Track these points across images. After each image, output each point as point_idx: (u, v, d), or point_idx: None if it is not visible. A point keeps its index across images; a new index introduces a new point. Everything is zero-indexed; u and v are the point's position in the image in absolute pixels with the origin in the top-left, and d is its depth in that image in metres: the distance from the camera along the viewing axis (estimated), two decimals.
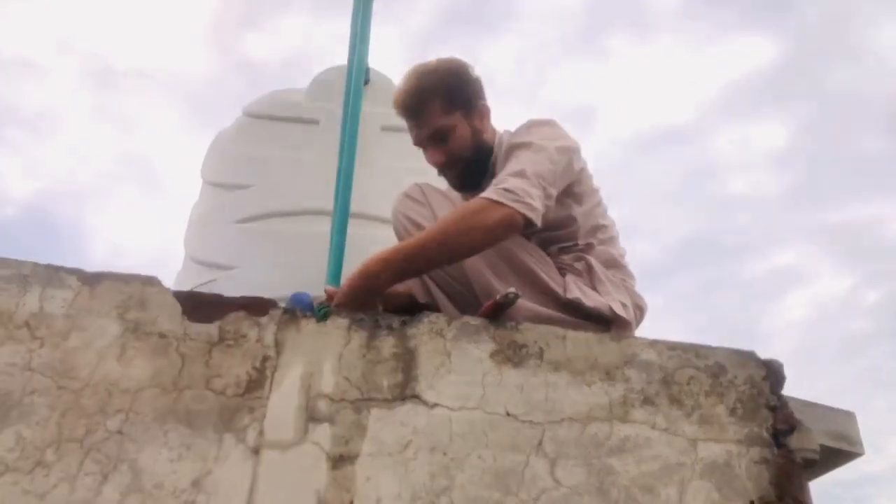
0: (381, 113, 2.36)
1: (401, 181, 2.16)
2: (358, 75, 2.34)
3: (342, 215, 1.97)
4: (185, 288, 2.22)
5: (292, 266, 2.13)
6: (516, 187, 1.56)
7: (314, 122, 2.40)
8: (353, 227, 2.08)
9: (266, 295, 1.82)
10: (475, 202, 1.57)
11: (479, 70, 1.89)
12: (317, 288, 1.98)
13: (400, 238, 1.81)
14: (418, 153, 2.01)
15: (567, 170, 1.73)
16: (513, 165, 1.63)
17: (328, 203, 2.12)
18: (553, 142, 1.71)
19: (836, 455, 7.23)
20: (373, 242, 2.04)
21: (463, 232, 1.55)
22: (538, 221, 1.59)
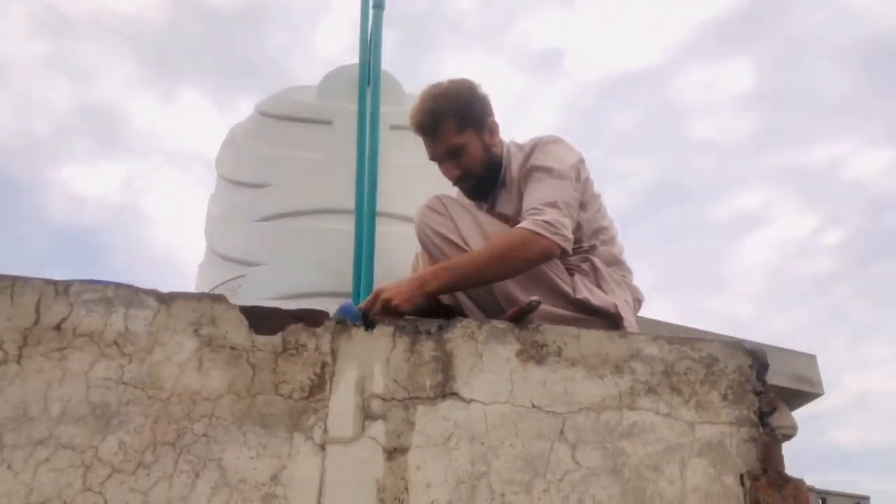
0: (388, 111, 2.52)
1: (411, 178, 2.35)
2: (375, 79, 2.49)
3: (370, 214, 2.15)
4: (214, 282, 2.41)
5: (315, 262, 2.31)
6: (554, 220, 1.78)
7: (327, 122, 2.56)
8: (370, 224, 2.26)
9: (293, 290, 2.04)
10: (521, 233, 1.80)
11: (485, 89, 2.07)
12: (340, 283, 2.18)
13: (424, 246, 2.01)
14: (424, 151, 2.19)
15: (579, 187, 1.94)
16: (543, 194, 1.84)
17: (346, 201, 2.29)
18: (567, 162, 1.91)
19: (797, 395, 7.65)
20: (391, 238, 2.24)
21: (510, 260, 1.80)
22: (570, 249, 1.82)
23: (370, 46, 2.57)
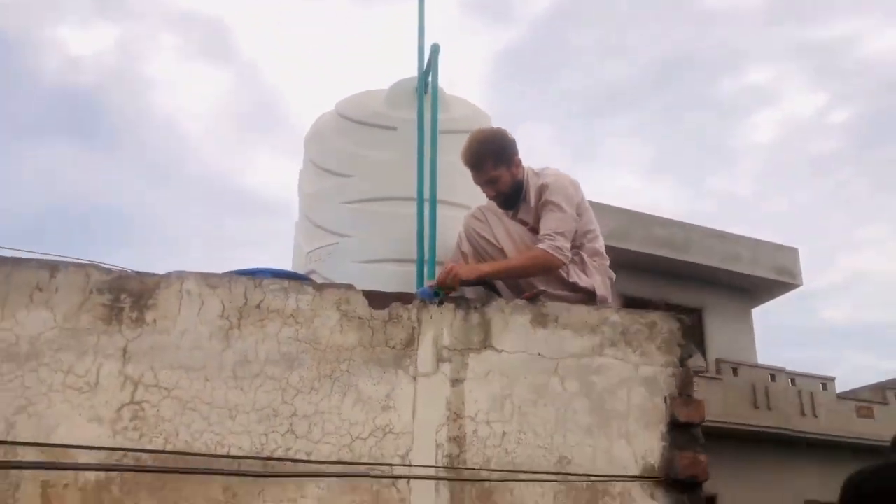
0: (440, 119, 3.38)
1: (455, 173, 3.27)
2: (432, 90, 3.35)
3: (432, 201, 3.10)
4: (312, 245, 3.38)
5: (388, 236, 3.26)
6: (562, 245, 2.83)
7: (393, 128, 3.43)
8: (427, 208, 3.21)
9: (372, 257, 3.05)
10: (541, 253, 2.85)
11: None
12: (408, 252, 3.16)
13: (469, 241, 2.99)
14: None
15: (575, 213, 2.91)
16: (554, 224, 2.89)
17: (410, 191, 3.22)
18: (572, 201, 2.89)
19: (778, 286, 9.86)
20: (443, 219, 3.19)
21: (531, 268, 2.91)
22: (568, 263, 2.81)
23: (426, 60, 3.40)
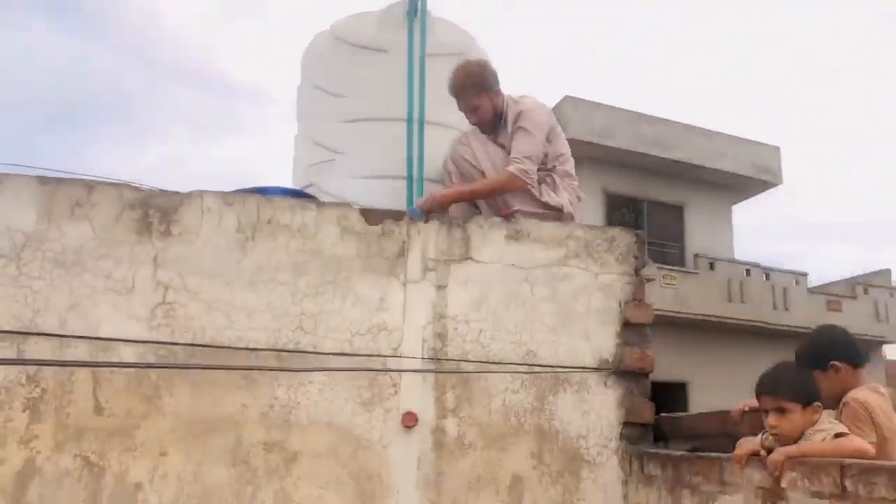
0: (427, 42, 3.65)
1: (443, 95, 3.58)
2: (421, 13, 3.61)
3: (421, 122, 3.43)
4: (312, 160, 3.72)
5: (379, 153, 3.59)
6: (529, 169, 3.14)
7: (384, 51, 3.70)
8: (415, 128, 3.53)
9: (367, 173, 3.41)
10: (507, 175, 3.17)
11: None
12: (398, 169, 3.51)
13: (455, 164, 3.34)
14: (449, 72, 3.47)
15: (545, 138, 3.25)
16: (523, 147, 3.17)
17: (401, 112, 3.53)
18: (542, 128, 3.20)
19: (758, 184, 10.55)
20: (430, 139, 3.52)
21: (498, 189, 3.25)
22: (534, 184, 3.16)
23: None
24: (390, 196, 3.49)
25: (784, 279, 17.77)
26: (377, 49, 3.73)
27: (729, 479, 2.33)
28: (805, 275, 18.09)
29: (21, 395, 2.52)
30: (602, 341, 3.06)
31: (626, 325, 3.09)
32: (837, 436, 2.13)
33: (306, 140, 3.86)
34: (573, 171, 3.46)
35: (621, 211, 16.59)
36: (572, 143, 13.88)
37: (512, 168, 3.25)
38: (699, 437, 2.93)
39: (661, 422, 3.09)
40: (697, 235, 17.61)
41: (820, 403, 2.26)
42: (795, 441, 2.20)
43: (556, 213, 3.29)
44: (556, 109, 16.14)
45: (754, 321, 16.31)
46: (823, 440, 2.14)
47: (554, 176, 3.35)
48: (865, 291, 18.78)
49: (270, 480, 2.66)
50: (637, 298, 3.13)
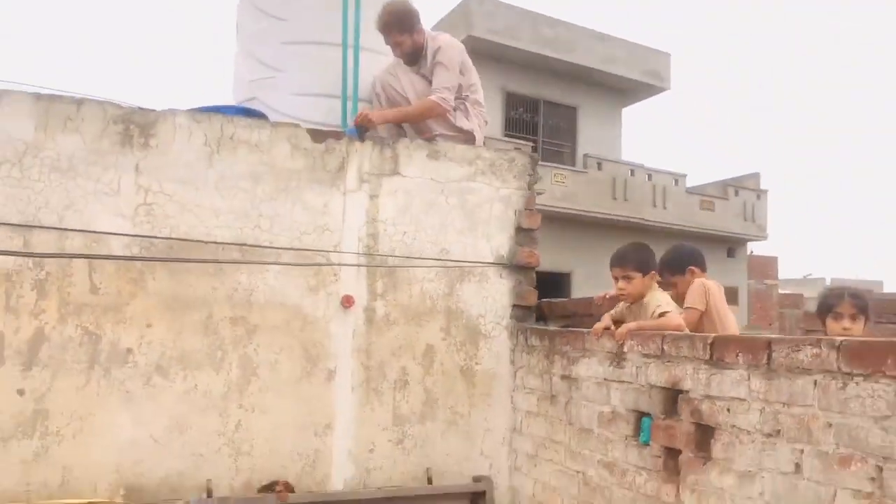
0: None
1: (372, 24, 4.15)
2: None
3: (356, 48, 4.01)
4: (253, 76, 4.25)
5: (316, 74, 4.13)
6: (447, 97, 3.78)
7: None
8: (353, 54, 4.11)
9: (304, 91, 4.01)
10: (432, 103, 3.80)
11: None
12: (334, 89, 4.10)
13: (385, 91, 3.96)
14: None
15: (459, 71, 3.89)
16: (441, 80, 3.80)
17: (337, 37, 4.07)
18: (455, 62, 3.84)
19: (648, 88, 12.06)
20: (362, 63, 4.11)
21: (424, 114, 3.85)
22: (451, 109, 3.81)
23: None
24: (326, 113, 4.10)
25: (664, 180, 19.20)
26: None
27: (589, 347, 3.21)
28: (684, 176, 19.57)
29: (29, 277, 3.09)
30: (499, 242, 3.86)
31: (519, 230, 3.89)
32: (662, 315, 3.01)
33: (248, 57, 4.36)
34: (482, 100, 4.14)
35: (519, 110, 17.40)
36: (476, 40, 14.60)
37: (434, 97, 3.89)
38: (570, 316, 3.81)
39: (542, 305, 3.96)
40: (589, 136, 18.68)
41: (654, 272, 3.16)
42: (638, 301, 3.12)
43: (467, 136, 3.99)
44: (462, 7, 16.53)
45: (634, 218, 17.70)
46: (652, 315, 3.03)
47: (466, 104, 4.03)
48: (736, 193, 20.54)
49: (236, 347, 3.36)
50: (529, 208, 3.91)
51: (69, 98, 3.21)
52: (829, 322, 3.11)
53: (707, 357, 2.54)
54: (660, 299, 3.15)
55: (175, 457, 3.25)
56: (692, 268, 3.38)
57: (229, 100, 4.48)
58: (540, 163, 4.04)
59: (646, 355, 2.87)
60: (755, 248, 24.47)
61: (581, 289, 16.06)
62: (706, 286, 3.23)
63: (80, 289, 3.15)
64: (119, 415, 3.17)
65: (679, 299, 3.25)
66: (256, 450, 3.37)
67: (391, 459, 3.61)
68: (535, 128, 17.67)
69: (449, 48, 3.97)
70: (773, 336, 2.39)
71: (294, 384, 3.45)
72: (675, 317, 3.03)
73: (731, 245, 20.63)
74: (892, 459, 1.91)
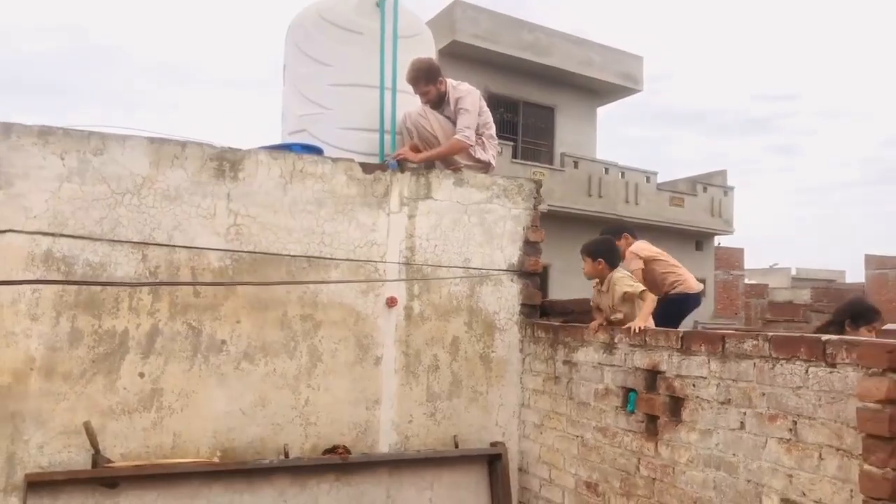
0: (387, 26, 4.97)
1: (402, 68, 4.98)
2: (394, 3, 4.94)
3: (393, 90, 4.84)
4: (303, 111, 5.07)
5: (358, 113, 4.95)
6: (470, 136, 4.64)
7: (360, 32, 4.98)
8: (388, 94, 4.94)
9: (347, 126, 4.88)
10: (457, 142, 4.68)
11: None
12: (372, 123, 4.93)
13: (417, 130, 4.81)
14: (414, 52, 4.88)
15: (477, 113, 4.77)
16: (465, 122, 4.66)
17: (375, 80, 4.90)
18: (475, 107, 4.71)
19: (622, 90, 13.52)
20: (398, 104, 4.94)
21: (453, 152, 4.68)
22: (473, 145, 4.68)
23: None
24: (366, 144, 4.93)
25: (636, 177, 20.20)
26: (355, 31, 5.04)
27: (587, 339, 4.10)
28: (655, 173, 20.59)
29: (149, 282, 3.90)
30: (511, 252, 4.73)
31: (527, 242, 4.77)
32: (625, 295, 4.01)
33: (297, 95, 5.17)
34: (494, 133, 5.01)
35: (500, 111, 18.26)
36: (459, 44, 15.60)
37: (459, 136, 4.76)
38: (570, 313, 4.70)
39: (545, 303, 4.84)
40: (566, 135, 19.63)
41: (602, 259, 4.22)
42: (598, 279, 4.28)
43: (485, 166, 4.86)
44: (446, 13, 17.34)
45: (608, 213, 18.64)
46: (621, 296, 3.99)
47: (483, 139, 4.90)
48: (704, 189, 21.63)
49: (305, 339, 4.20)
50: (534, 225, 4.79)
51: (175, 140, 4.02)
52: (863, 331, 3.94)
53: (679, 347, 3.44)
54: (622, 283, 4.11)
55: (258, 426, 4.09)
56: (625, 234, 4.94)
57: (277, 128, 5.30)
58: (520, 161, 4.94)
59: (632, 345, 3.77)
60: (723, 241, 25.69)
61: (558, 279, 17.02)
62: (632, 251, 4.65)
63: (185, 292, 3.98)
64: (215, 392, 4.01)
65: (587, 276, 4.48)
66: (321, 420, 4.22)
67: (425, 428, 4.48)
68: (515, 127, 18.55)
69: (469, 95, 4.84)
70: (726, 331, 3.30)
71: (349, 368, 4.30)
72: (650, 299, 3.97)
73: (699, 239, 21.76)
74: (803, 416, 2.82)
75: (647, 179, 20.46)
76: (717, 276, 25.30)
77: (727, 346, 3.18)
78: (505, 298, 4.71)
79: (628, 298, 4.06)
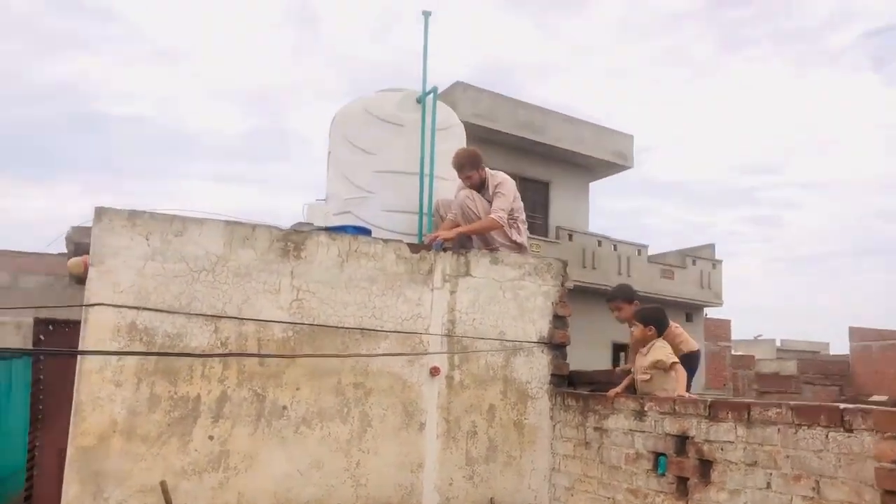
0: (427, 119, 5.47)
1: (445, 158, 5.46)
2: (433, 97, 5.44)
3: (431, 176, 5.31)
4: (349, 195, 5.53)
5: (399, 198, 5.41)
6: (503, 217, 5.12)
7: (400, 125, 5.48)
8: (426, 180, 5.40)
9: (389, 208, 5.34)
10: (491, 220, 5.12)
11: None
12: (412, 206, 5.38)
13: (462, 209, 5.26)
14: (449, 142, 5.37)
15: (512, 199, 5.24)
16: (500, 204, 5.14)
17: (415, 167, 5.37)
18: (511, 193, 5.20)
19: (614, 167, 14.34)
20: (435, 189, 5.40)
21: (487, 229, 5.17)
22: (506, 225, 5.14)
23: (424, 80, 5.47)
24: (406, 225, 5.38)
25: (628, 250, 20.80)
26: (398, 124, 5.54)
27: (617, 406, 4.48)
28: (646, 246, 21.21)
29: (217, 353, 4.26)
30: (541, 326, 5.14)
31: (555, 317, 5.17)
32: (656, 363, 4.41)
33: (342, 179, 5.63)
34: (524, 217, 5.49)
35: None
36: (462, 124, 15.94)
37: (494, 216, 5.22)
38: (596, 382, 5.08)
39: (572, 373, 5.22)
40: (560, 209, 20.28)
41: (654, 326, 4.69)
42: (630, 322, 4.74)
43: (519, 247, 5.31)
44: (447, 92, 18.11)
45: (602, 284, 19.12)
46: (651, 364, 4.40)
47: (518, 223, 5.36)
48: (693, 262, 22.25)
49: (357, 405, 4.55)
50: (562, 300, 5.21)
51: (247, 223, 4.44)
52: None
53: (707, 414, 3.82)
54: (660, 351, 4.54)
55: (314, 486, 4.39)
56: (636, 301, 5.29)
57: (322, 206, 5.75)
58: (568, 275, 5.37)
59: (661, 412, 4.14)
60: (710, 312, 26.20)
61: None
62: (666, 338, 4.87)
63: (252, 361, 4.33)
64: (276, 454, 4.33)
65: (621, 320, 5.13)
66: (370, 482, 4.53)
67: (464, 491, 4.79)
68: None
69: (507, 182, 5.33)
70: (751, 400, 3.69)
71: (396, 433, 4.64)
72: (681, 372, 4.38)
73: (689, 310, 22.23)
74: (825, 476, 3.19)
75: (639, 252, 21.08)
76: (707, 348, 25.71)
77: (752, 413, 3.57)
78: (536, 368, 5.09)
79: (660, 366, 4.48)
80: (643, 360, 4.63)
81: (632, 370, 4.80)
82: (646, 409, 4.25)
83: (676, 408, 4.03)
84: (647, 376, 4.53)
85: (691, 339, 5.34)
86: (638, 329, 4.71)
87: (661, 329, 4.71)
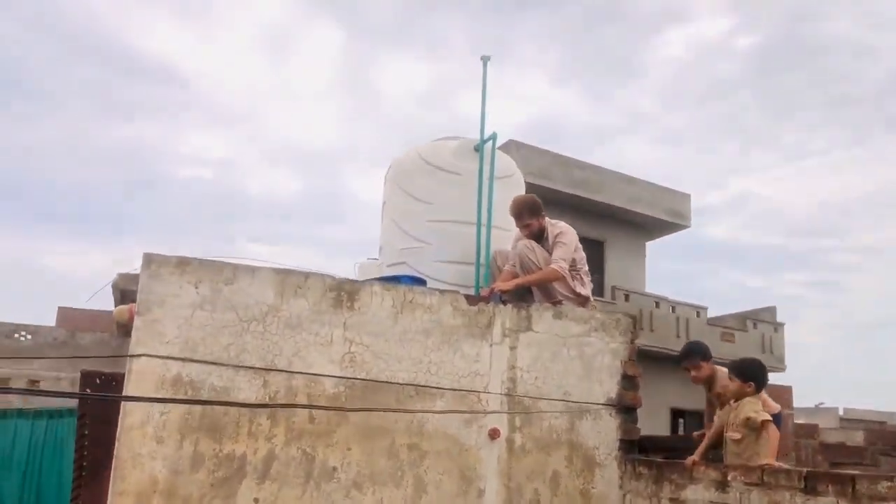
0: (485, 169, 5.27)
1: (504, 207, 5.22)
2: (491, 145, 5.25)
3: (488, 226, 5.07)
4: (404, 245, 5.31)
5: (455, 248, 5.18)
6: (563, 266, 4.84)
7: (458, 174, 5.29)
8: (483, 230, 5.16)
9: (445, 259, 5.07)
10: (550, 271, 4.84)
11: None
12: (470, 258, 5.13)
13: (521, 259, 4.99)
14: (508, 191, 5.12)
15: (573, 249, 4.96)
16: (560, 253, 4.87)
17: (472, 217, 5.14)
18: (571, 244, 4.92)
19: (671, 226, 13.79)
20: (493, 238, 5.15)
21: (545, 280, 4.87)
22: (567, 276, 4.85)
23: (482, 127, 5.28)
24: (462, 277, 5.12)
25: (686, 312, 20.14)
26: (454, 172, 5.34)
27: (696, 476, 4.07)
28: (705, 308, 20.53)
29: (265, 409, 4.01)
30: (609, 386, 4.78)
31: (624, 377, 4.81)
32: (763, 423, 3.98)
33: (396, 229, 5.43)
34: (587, 269, 5.19)
35: None
36: None
37: (554, 265, 4.94)
38: (672, 449, 4.68)
39: (643, 438, 4.83)
40: (616, 269, 19.81)
41: (752, 383, 4.30)
42: (707, 383, 4.51)
43: (583, 300, 5.00)
44: (502, 150, 18.00)
45: (660, 347, 18.51)
46: (743, 421, 4.00)
47: (581, 275, 5.07)
48: (755, 325, 21.42)
49: (411, 468, 4.23)
50: (631, 359, 4.86)
51: (299, 272, 4.24)
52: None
53: (802, 487, 3.42)
54: (750, 407, 4.16)
55: None
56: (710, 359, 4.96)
57: (374, 255, 5.54)
58: (638, 332, 5.03)
59: (747, 483, 3.74)
60: (771, 377, 25.18)
61: None
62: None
63: (301, 418, 4.07)
64: None
65: (698, 381, 4.86)
66: None
67: None
68: None
69: (569, 232, 5.06)
70: (855, 472, 3.28)
71: (453, 500, 4.29)
72: (773, 431, 3.99)
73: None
74: None
75: (698, 314, 20.39)
76: None
77: (858, 487, 3.16)
78: (604, 433, 4.71)
79: (751, 425, 4.09)
80: (734, 417, 4.24)
81: (706, 434, 4.41)
82: (729, 478, 3.85)
83: (766, 478, 3.63)
84: (739, 435, 4.13)
85: (771, 400, 4.92)
86: (735, 384, 4.31)
87: (760, 386, 4.32)
